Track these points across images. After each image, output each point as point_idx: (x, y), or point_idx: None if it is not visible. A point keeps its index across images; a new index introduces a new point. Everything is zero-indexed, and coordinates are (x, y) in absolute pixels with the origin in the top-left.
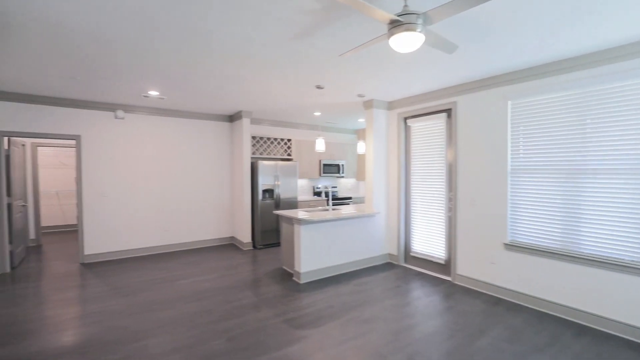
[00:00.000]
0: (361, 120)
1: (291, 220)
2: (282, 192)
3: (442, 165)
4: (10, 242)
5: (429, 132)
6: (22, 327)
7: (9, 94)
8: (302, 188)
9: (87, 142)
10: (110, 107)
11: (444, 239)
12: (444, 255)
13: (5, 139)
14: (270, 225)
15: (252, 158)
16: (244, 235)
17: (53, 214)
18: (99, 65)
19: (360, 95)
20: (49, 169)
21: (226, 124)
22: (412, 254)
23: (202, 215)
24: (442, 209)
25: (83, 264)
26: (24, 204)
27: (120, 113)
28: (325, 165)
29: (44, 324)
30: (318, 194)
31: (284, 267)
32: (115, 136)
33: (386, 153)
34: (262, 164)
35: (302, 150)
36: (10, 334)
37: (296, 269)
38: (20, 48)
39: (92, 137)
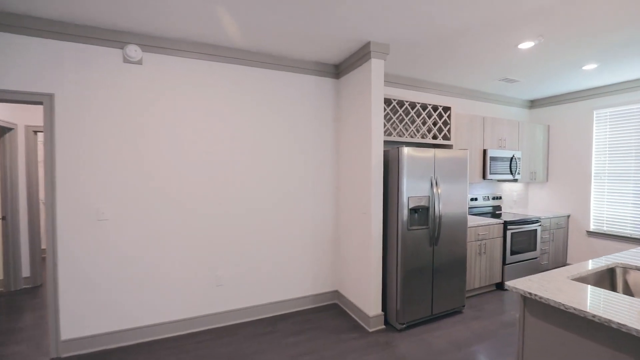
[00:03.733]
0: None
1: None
2: (445, 211)
3: None
4: None
5: None
6: None
7: None
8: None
9: (65, 107)
10: (116, 38)
11: None
12: None
13: None
14: (422, 280)
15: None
16: (367, 299)
17: None
18: None
19: None
20: None
21: (329, 82)
22: None
23: (283, 254)
24: None
25: None
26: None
27: (132, 50)
28: (492, 159)
29: None
30: (476, 211)
31: None
32: (122, 97)
33: None
34: (408, 155)
35: (459, 132)
36: None
37: None
38: None
39: (77, 98)
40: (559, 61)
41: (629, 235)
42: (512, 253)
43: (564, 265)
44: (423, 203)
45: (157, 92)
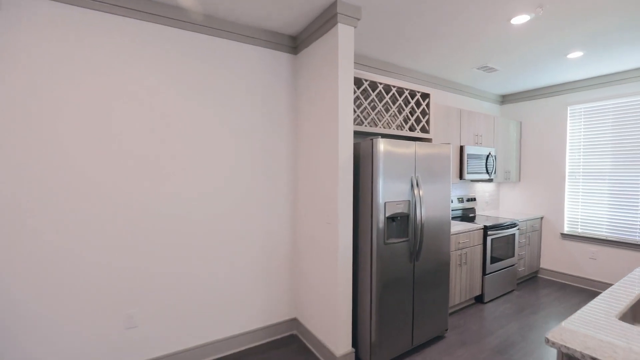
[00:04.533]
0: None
1: None
2: (427, 218)
3: None
4: None
5: None
6: None
7: None
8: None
9: None
10: None
11: None
12: None
13: None
14: (401, 305)
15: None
16: (334, 333)
17: None
18: None
19: None
20: None
21: (284, 58)
22: None
23: (224, 278)
24: None
25: None
26: None
27: None
28: (469, 156)
29: None
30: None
31: None
32: None
33: None
34: (385, 149)
35: (435, 126)
36: None
37: None
38: None
39: None
40: (546, 46)
41: (604, 238)
42: (492, 261)
43: (537, 271)
44: (402, 209)
45: (28, 62)
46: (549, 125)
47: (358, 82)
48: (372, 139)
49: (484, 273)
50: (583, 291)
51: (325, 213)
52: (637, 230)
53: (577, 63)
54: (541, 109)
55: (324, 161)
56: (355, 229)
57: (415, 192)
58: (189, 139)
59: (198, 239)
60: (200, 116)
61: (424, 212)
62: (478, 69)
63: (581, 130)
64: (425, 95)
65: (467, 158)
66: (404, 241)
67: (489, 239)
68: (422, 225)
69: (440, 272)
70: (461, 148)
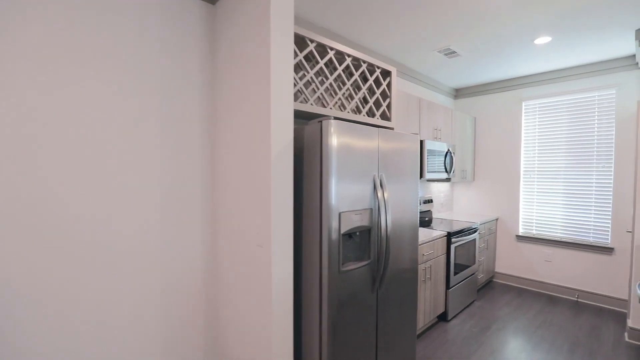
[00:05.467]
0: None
1: None
2: (394, 230)
3: None
4: None
5: None
6: None
7: None
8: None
9: None
10: None
11: None
12: None
13: None
14: (361, 349)
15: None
16: None
17: None
18: None
19: None
20: None
21: (197, 8)
22: None
23: (110, 326)
24: None
25: None
26: None
27: None
28: (429, 153)
29: None
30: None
31: None
32: None
33: None
34: (339, 138)
35: (395, 114)
36: None
37: None
38: None
39: None
40: (514, 25)
41: (559, 239)
42: (456, 272)
43: (493, 275)
44: (363, 221)
45: None
46: (503, 122)
47: (300, 43)
48: (321, 121)
49: (447, 287)
50: (540, 296)
51: (255, 231)
52: (591, 231)
53: (543, 51)
54: (496, 104)
55: (252, 153)
56: (298, 252)
57: (380, 195)
58: (67, 138)
59: (83, 278)
60: (83, 107)
61: (390, 223)
62: (440, 52)
63: (536, 127)
64: (386, 73)
65: (427, 155)
66: (364, 265)
67: (452, 247)
68: (387, 240)
69: (408, 297)
70: (421, 143)
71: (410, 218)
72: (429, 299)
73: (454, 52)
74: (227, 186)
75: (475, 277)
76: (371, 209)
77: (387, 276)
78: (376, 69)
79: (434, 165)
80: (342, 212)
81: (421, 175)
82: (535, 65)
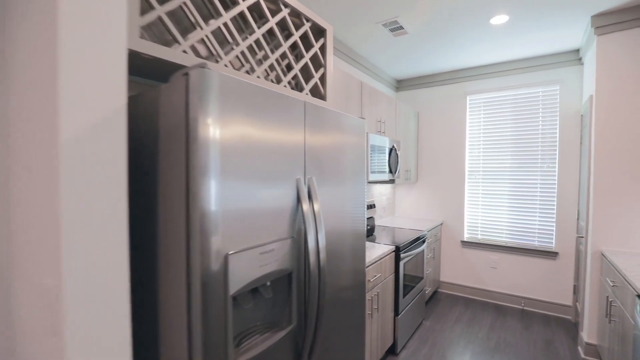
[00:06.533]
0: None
1: None
2: (332, 266)
3: None
4: None
5: None
6: None
7: None
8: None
9: None
10: None
11: None
12: None
13: None
14: None
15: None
16: None
17: None
18: None
19: None
20: None
21: None
22: None
23: None
24: None
25: None
26: None
27: None
28: (373, 149)
29: None
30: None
31: None
32: None
33: None
34: (228, 116)
35: (335, 95)
36: None
37: None
38: None
39: None
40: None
41: (504, 244)
42: (405, 293)
43: (438, 285)
44: (277, 264)
45: None
46: (447, 117)
47: None
48: (188, 74)
49: (396, 313)
50: (488, 306)
51: (41, 311)
52: (536, 235)
53: (497, 34)
54: (439, 98)
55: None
56: (148, 327)
57: (307, 212)
58: None
59: None
60: None
61: (325, 255)
62: (385, 25)
63: (481, 124)
64: (319, 32)
65: (371, 151)
66: (281, 337)
67: (401, 264)
68: (321, 284)
69: (353, 351)
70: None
71: (355, 242)
72: (376, 332)
73: (401, 27)
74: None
75: (423, 293)
76: (292, 239)
77: (320, 340)
78: (304, 21)
79: (378, 164)
80: (233, 253)
81: (368, 174)
82: (484, 54)
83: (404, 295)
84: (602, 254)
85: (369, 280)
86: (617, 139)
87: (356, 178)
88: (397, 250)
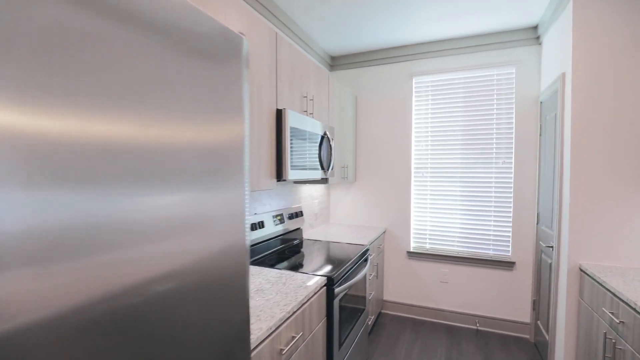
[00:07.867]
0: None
1: None
2: None
3: None
4: None
5: None
6: None
7: None
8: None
9: None
10: None
11: None
12: None
13: None
14: None
15: None
16: None
17: None
18: None
19: None
20: None
21: None
22: None
23: None
24: None
25: None
26: None
27: None
28: (294, 133)
29: None
30: (259, 254)
31: None
32: None
33: None
34: None
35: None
36: None
37: None
38: None
39: None
40: None
41: (456, 254)
42: (342, 340)
43: (382, 306)
44: None
45: None
46: (390, 103)
47: None
48: None
49: None
50: (439, 328)
51: None
52: (491, 243)
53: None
54: (381, 80)
55: None
56: None
57: None
58: None
59: None
60: None
61: None
62: None
63: (429, 111)
64: None
65: (291, 136)
66: None
67: (336, 301)
68: None
69: None
70: (279, 113)
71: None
72: None
73: None
74: None
75: (366, 325)
76: None
77: None
78: None
79: (304, 157)
80: None
81: (280, 175)
82: (431, 25)
83: (341, 345)
84: (581, 269)
85: (280, 348)
86: (601, 129)
87: (224, 187)
88: (329, 283)
